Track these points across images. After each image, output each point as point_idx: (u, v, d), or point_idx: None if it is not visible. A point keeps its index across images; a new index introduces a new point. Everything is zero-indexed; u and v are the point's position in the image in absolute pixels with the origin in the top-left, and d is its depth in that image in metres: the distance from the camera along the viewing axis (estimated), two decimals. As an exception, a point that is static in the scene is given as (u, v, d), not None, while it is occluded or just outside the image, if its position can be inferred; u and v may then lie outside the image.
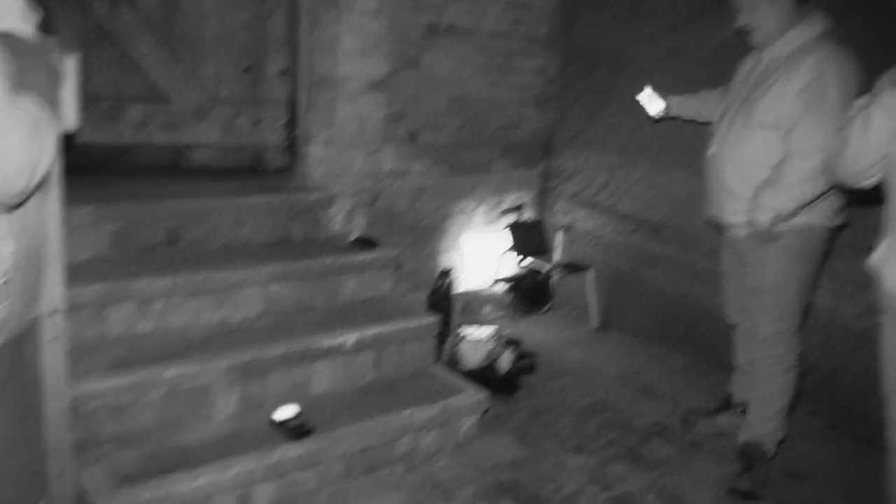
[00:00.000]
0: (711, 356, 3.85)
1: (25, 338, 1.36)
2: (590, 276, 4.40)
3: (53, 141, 1.19)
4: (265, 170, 3.68)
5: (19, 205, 1.23)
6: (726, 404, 3.19)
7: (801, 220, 2.63)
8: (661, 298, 4.10)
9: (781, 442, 2.90)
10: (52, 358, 2.13)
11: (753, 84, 2.74)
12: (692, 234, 3.90)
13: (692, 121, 3.33)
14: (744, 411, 3.04)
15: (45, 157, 1.16)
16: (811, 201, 2.59)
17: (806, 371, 3.00)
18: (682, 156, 3.92)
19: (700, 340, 3.90)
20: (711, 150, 2.86)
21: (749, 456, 2.84)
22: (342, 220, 3.52)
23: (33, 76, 1.18)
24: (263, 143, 3.63)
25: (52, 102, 1.22)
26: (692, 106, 3.25)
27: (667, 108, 3.32)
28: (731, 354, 3.19)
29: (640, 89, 3.34)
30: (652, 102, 3.33)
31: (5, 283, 1.22)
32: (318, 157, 3.55)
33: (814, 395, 3.31)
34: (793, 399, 2.86)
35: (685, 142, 3.86)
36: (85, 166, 3.15)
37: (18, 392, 1.28)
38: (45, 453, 1.36)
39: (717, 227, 3.00)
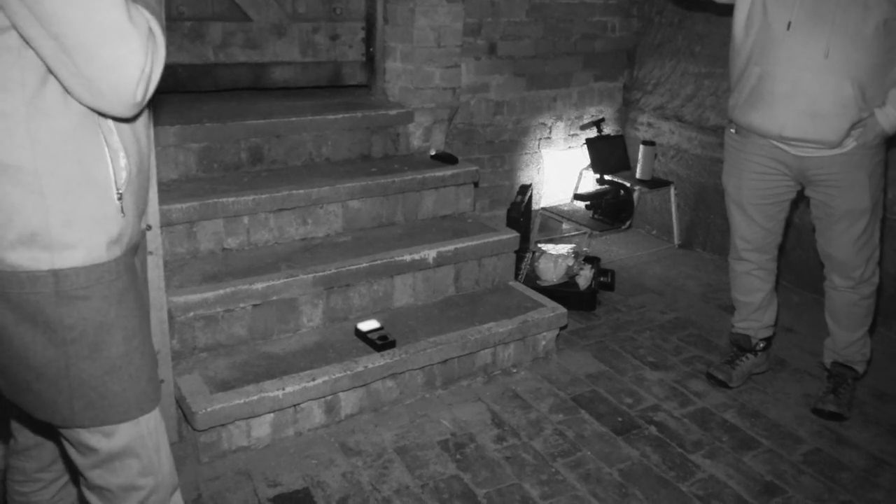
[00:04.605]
0: (798, 276, 3.74)
1: (137, 250, 1.42)
2: (672, 192, 4.29)
3: (163, 53, 1.21)
4: (344, 86, 3.68)
5: (131, 119, 1.27)
6: (745, 346, 2.93)
7: None
8: (748, 214, 3.97)
9: (869, 361, 2.82)
10: (151, 271, 2.25)
11: None
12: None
13: None
14: (765, 348, 2.92)
15: (157, 68, 1.18)
16: None
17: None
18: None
19: (787, 259, 3.79)
20: (811, 55, 2.37)
21: (838, 376, 2.77)
22: (421, 135, 3.51)
23: None
24: (342, 59, 3.61)
25: (160, 16, 1.24)
26: None
27: None
28: (738, 291, 2.92)
29: None
30: None
31: (119, 197, 1.27)
32: (395, 72, 3.52)
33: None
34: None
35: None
36: (170, 87, 3.22)
37: (136, 301, 1.36)
38: (156, 361, 1.44)
39: (788, 148, 2.54)
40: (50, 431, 1.49)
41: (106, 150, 1.24)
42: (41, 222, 1.19)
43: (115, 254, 1.28)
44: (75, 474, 1.53)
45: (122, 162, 1.26)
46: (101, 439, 1.34)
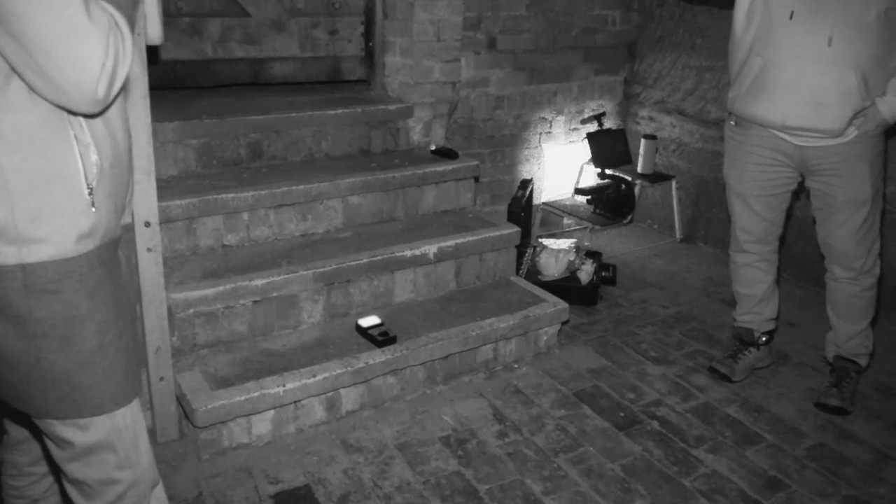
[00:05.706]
0: (800, 269, 3.73)
1: (118, 244, 1.41)
2: (674, 186, 4.27)
3: (131, 49, 1.19)
4: (343, 81, 3.66)
5: (100, 114, 1.25)
6: (747, 340, 2.91)
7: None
8: (750, 208, 3.95)
9: (872, 354, 2.81)
10: (150, 267, 2.25)
11: None
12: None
13: None
14: (767, 341, 2.91)
15: (122, 64, 1.17)
16: None
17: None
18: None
19: (788, 252, 3.77)
20: (817, 43, 2.36)
21: (841, 370, 2.76)
22: (421, 130, 3.50)
23: None
24: (341, 54, 3.60)
25: (130, 12, 1.23)
26: None
27: None
28: (742, 284, 2.90)
29: None
30: None
31: (91, 191, 1.26)
32: (395, 66, 3.51)
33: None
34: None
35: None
36: (169, 83, 3.21)
37: (114, 295, 1.35)
38: (140, 356, 1.43)
39: (789, 137, 2.53)
40: (36, 425, 1.50)
41: (75, 145, 1.23)
42: (7, 217, 1.19)
43: (87, 248, 1.28)
44: (56, 469, 1.53)
45: (94, 157, 1.25)
46: (76, 432, 1.34)
